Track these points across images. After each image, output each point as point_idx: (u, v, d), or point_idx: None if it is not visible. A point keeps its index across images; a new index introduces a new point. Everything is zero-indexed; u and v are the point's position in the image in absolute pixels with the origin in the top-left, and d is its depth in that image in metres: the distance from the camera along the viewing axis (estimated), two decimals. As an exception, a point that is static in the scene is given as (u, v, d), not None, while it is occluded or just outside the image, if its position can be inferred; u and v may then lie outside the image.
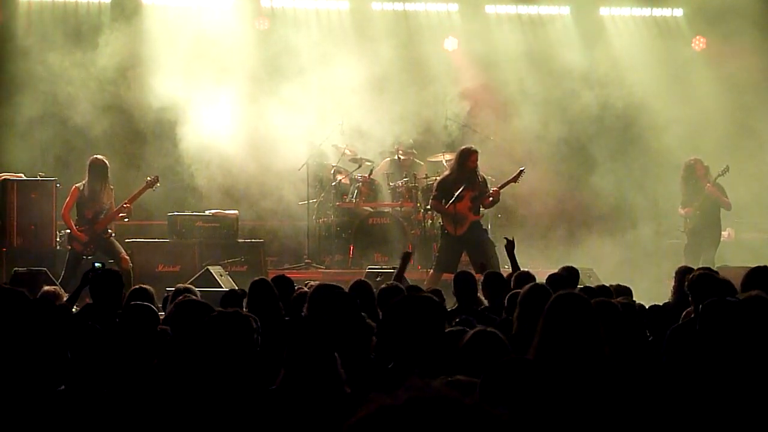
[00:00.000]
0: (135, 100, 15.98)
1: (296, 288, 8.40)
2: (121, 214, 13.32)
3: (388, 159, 16.58)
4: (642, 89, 17.01)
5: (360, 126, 16.36)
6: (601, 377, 4.81)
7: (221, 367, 4.88)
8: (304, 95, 16.05)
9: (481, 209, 13.43)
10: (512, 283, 8.57)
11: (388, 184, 15.95)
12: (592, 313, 5.08)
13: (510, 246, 10.25)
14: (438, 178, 13.95)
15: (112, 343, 5.51)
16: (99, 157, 13.29)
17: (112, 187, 13.40)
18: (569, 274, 8.83)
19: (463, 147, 13.60)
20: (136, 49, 16.05)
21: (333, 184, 15.90)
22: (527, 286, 6.70)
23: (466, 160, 13.22)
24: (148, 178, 13.60)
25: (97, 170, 13.11)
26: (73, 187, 13.25)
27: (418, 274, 14.05)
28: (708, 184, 14.35)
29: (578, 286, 8.63)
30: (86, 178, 13.16)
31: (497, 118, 16.99)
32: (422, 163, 16.50)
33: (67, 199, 13.24)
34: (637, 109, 17.20)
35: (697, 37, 17.50)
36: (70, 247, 13.15)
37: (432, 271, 13.50)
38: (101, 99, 16.02)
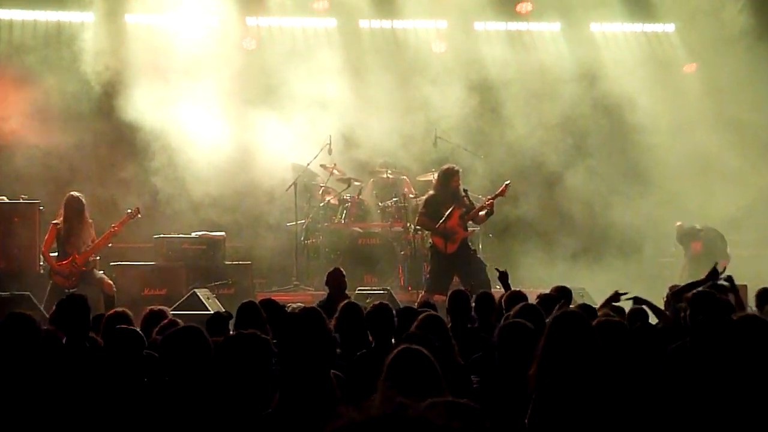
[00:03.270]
0: (119, 121, 16.08)
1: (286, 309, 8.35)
2: (102, 245, 13.37)
3: (377, 178, 16.66)
4: (637, 108, 17.22)
5: (348, 145, 16.55)
6: (605, 396, 4.89)
7: (233, 390, 4.86)
8: (291, 114, 16.21)
9: (469, 225, 13.59)
10: (503, 303, 8.58)
11: (377, 204, 16.05)
12: (593, 332, 5.19)
13: (503, 277, 10.25)
14: (425, 196, 14.05)
15: (89, 368, 5.58)
16: (74, 194, 13.25)
17: (91, 220, 13.42)
18: (561, 294, 8.83)
19: (446, 167, 13.75)
20: (120, 69, 16.20)
21: (321, 204, 15.96)
22: (517, 307, 6.75)
23: (450, 180, 13.45)
24: (129, 210, 13.59)
25: (73, 208, 13.11)
26: (51, 224, 13.27)
27: (408, 295, 14.11)
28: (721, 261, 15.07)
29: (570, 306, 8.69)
30: (62, 216, 13.16)
31: (488, 136, 17.33)
32: (405, 177, 16.48)
33: (46, 236, 13.29)
34: (630, 126, 17.42)
35: (690, 64, 17.76)
36: (51, 281, 13.18)
37: (423, 292, 13.44)
38: (84, 118, 16.18)
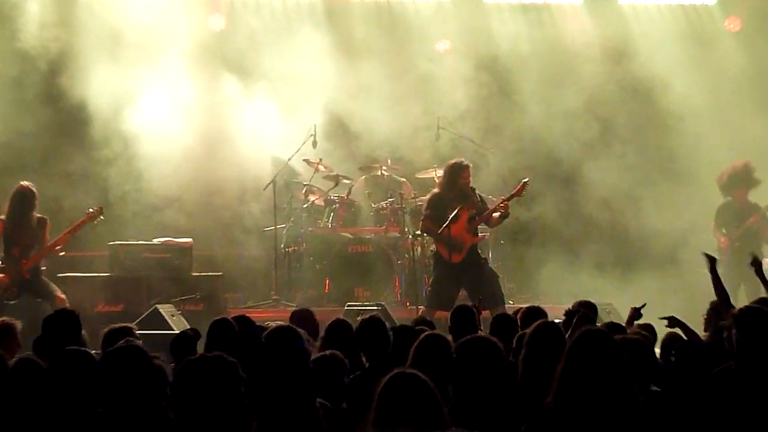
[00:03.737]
0: (66, 105, 16.13)
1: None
2: (57, 247, 13.21)
3: (370, 175, 16.61)
4: (672, 91, 17.21)
5: (336, 137, 16.60)
6: (634, 425, 4.96)
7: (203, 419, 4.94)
8: (270, 101, 16.30)
9: (479, 230, 13.57)
10: (519, 320, 8.73)
11: (370, 206, 15.93)
12: (620, 352, 5.21)
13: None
14: (428, 196, 14.03)
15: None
16: (25, 184, 13.23)
17: (46, 217, 13.39)
18: (586, 310, 8.91)
19: (454, 162, 13.72)
20: (68, 45, 16.18)
21: (305, 206, 15.86)
22: (535, 324, 6.77)
23: (457, 177, 13.42)
24: (90, 210, 13.55)
25: (23, 200, 13.04)
26: None
27: (407, 312, 14.04)
28: (753, 217, 15.02)
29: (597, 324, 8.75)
30: (7, 209, 13.10)
31: (499, 125, 17.40)
32: (404, 180, 16.49)
33: None
34: (665, 112, 17.42)
35: (731, 18, 17.76)
36: None
37: (424, 308, 13.50)
38: (25, 100, 16.15)
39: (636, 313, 9.26)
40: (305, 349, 6.74)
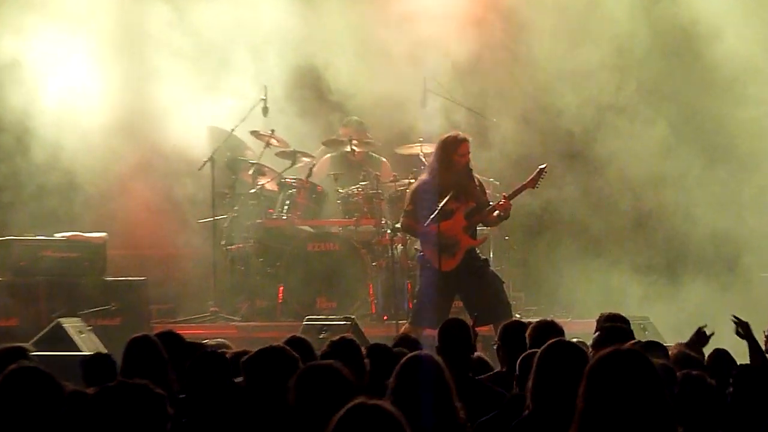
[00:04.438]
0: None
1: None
2: None
3: (337, 152, 16.59)
4: (725, 43, 17.13)
5: (293, 102, 16.54)
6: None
7: None
8: (206, 57, 16.36)
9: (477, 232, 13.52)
10: (528, 339, 8.64)
11: (337, 191, 15.88)
12: (658, 380, 5.12)
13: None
14: (413, 182, 14.06)
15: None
16: None
17: None
18: (614, 326, 8.88)
19: (447, 135, 13.56)
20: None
21: (253, 191, 15.89)
22: (547, 344, 6.69)
23: (452, 153, 13.22)
24: None
25: None
26: None
27: (383, 329, 14.22)
28: None
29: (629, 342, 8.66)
30: None
31: (503, 88, 17.18)
32: (382, 158, 16.58)
33: None
34: (716, 72, 17.30)
35: None
36: None
37: (407, 324, 13.47)
38: None
39: (702, 337, 9.21)
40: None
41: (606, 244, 17.35)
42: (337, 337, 7.94)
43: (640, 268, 16.64)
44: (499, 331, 9.15)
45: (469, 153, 13.34)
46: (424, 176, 13.67)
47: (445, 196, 13.08)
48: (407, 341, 9.08)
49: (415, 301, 13.81)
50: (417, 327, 13.06)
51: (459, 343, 8.42)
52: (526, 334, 8.78)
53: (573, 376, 5.75)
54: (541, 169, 13.43)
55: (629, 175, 17.25)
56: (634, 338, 8.77)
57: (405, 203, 13.77)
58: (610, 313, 9.50)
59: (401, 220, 13.86)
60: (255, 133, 16.14)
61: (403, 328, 13.29)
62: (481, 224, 13.67)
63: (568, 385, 5.78)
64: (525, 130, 16.92)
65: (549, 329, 8.53)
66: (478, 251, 13.62)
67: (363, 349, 7.86)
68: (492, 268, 14.00)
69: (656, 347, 7.93)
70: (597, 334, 8.63)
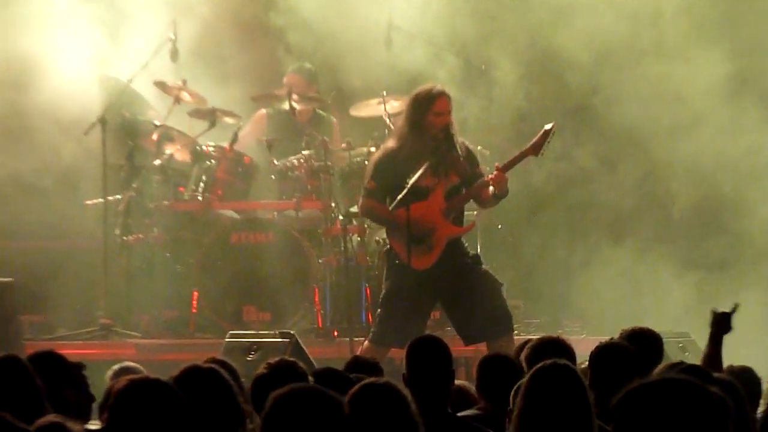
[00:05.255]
0: None
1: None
2: None
3: (271, 110, 16.76)
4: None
5: (212, 44, 16.78)
6: None
7: None
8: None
9: (465, 215, 13.65)
10: (525, 361, 8.94)
11: (272, 163, 15.97)
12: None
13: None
14: (375, 151, 14.28)
15: None
16: None
17: None
18: (641, 346, 9.20)
19: (421, 88, 13.63)
20: None
21: (157, 162, 15.93)
22: (536, 368, 7.02)
23: (426, 112, 13.40)
24: None
25: None
26: None
27: (334, 348, 14.72)
28: None
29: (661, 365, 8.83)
30: None
31: (495, 24, 17.24)
32: (332, 118, 17.05)
33: None
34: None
35: None
36: None
37: (367, 341, 13.58)
38: None
39: (723, 320, 9.46)
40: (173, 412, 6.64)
41: (635, 232, 17.35)
42: (275, 360, 8.09)
43: (681, 264, 16.61)
44: (477, 366, 9.20)
45: (449, 111, 13.33)
46: (389, 143, 13.70)
47: (418, 170, 13.08)
48: (365, 365, 9.31)
49: (379, 311, 13.85)
50: (379, 346, 13.33)
51: (434, 369, 8.60)
52: (522, 356, 9.07)
53: (567, 410, 6.51)
54: (546, 130, 13.49)
55: (665, 147, 17.34)
56: (658, 362, 9.25)
57: (364, 179, 13.82)
58: (635, 327, 9.70)
59: (361, 200, 13.88)
60: (160, 85, 16.19)
61: (360, 348, 13.54)
62: (472, 206, 13.73)
63: (560, 421, 6.35)
64: (525, 80, 16.92)
65: (553, 350, 8.77)
66: (465, 243, 13.59)
67: (309, 376, 8.01)
68: (485, 266, 13.93)
69: (697, 374, 7.94)
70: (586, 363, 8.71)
